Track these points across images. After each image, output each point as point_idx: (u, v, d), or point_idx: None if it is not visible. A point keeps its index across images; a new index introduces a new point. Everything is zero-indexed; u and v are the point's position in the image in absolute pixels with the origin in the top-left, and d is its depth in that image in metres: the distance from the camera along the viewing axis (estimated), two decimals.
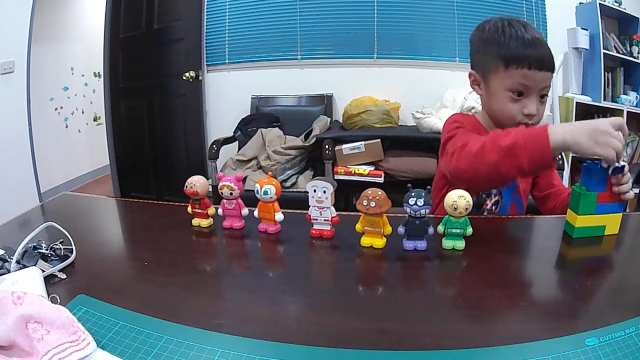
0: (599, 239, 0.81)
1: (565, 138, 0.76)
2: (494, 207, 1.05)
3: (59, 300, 0.59)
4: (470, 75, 1.07)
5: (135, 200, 1.11)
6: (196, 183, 0.85)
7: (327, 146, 2.57)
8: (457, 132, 1.00)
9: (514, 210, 1.08)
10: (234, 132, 2.99)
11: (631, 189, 0.82)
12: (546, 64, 0.95)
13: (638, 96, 2.93)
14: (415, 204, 0.72)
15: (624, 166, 0.77)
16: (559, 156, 2.39)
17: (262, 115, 3.07)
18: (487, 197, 1.04)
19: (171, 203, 1.03)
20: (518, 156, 0.79)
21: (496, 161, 0.81)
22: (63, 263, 0.70)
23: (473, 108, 2.53)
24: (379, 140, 2.58)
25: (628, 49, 2.93)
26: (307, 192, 0.81)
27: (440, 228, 0.75)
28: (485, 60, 1.01)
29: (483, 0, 2.89)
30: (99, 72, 3.77)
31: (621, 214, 0.82)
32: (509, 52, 0.95)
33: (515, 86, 0.96)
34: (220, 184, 0.84)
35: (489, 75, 1.01)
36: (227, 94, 3.25)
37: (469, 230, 0.75)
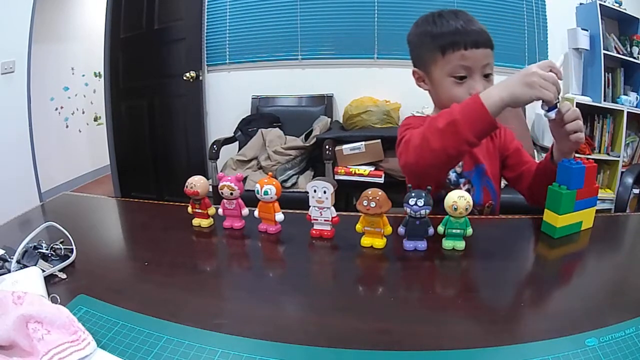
0: (596, 237, 0.81)
1: (501, 97, 0.79)
2: None
3: (59, 300, 0.59)
4: (413, 73, 1.07)
5: (136, 200, 1.11)
6: (196, 183, 0.85)
7: (327, 146, 2.57)
8: (405, 133, 1.00)
9: (487, 196, 1.06)
10: (234, 132, 2.99)
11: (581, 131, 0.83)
12: (482, 41, 0.95)
13: (638, 97, 2.93)
14: (416, 204, 0.72)
15: (556, 103, 0.79)
16: None
17: (262, 116, 3.07)
18: (455, 188, 1.01)
19: (171, 203, 1.03)
20: (460, 132, 0.81)
21: (441, 144, 0.82)
22: (63, 263, 0.70)
23: None
24: (379, 140, 2.58)
25: (628, 49, 2.93)
26: (308, 193, 0.81)
27: (440, 228, 0.76)
28: (422, 54, 1.02)
29: (483, 0, 2.89)
30: (99, 72, 3.77)
31: (595, 207, 0.83)
32: (442, 39, 0.96)
33: (456, 70, 0.96)
34: (221, 184, 0.84)
35: (429, 68, 1.01)
36: (228, 94, 3.26)
37: (469, 231, 0.75)
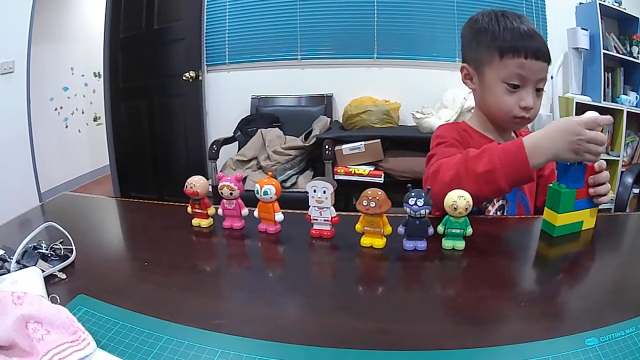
0: (596, 237, 0.81)
1: (548, 158, 0.77)
2: (498, 213, 1.01)
3: (58, 300, 0.59)
4: (462, 69, 1.03)
5: (135, 200, 1.11)
6: (196, 183, 0.85)
7: (327, 146, 2.57)
8: (437, 150, 0.98)
9: (521, 212, 1.03)
10: (233, 132, 2.99)
11: (608, 192, 0.81)
12: (542, 54, 0.92)
13: (638, 96, 2.94)
14: (415, 204, 0.72)
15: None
16: None
17: (262, 116, 3.07)
18: (489, 203, 1.00)
19: (171, 203, 1.02)
20: (496, 181, 0.79)
21: (475, 189, 0.78)
22: (63, 263, 0.70)
23: (473, 108, 2.52)
24: (379, 140, 2.58)
25: (628, 49, 2.93)
26: (307, 192, 0.80)
27: (440, 228, 0.75)
28: (478, 51, 0.98)
29: (483, 0, 2.89)
30: (98, 72, 3.77)
31: (597, 207, 0.82)
32: (504, 41, 0.93)
33: (511, 77, 0.93)
34: (220, 184, 0.84)
35: (482, 67, 0.98)
36: (227, 94, 3.26)
37: (469, 231, 0.74)
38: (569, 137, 0.74)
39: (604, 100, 2.87)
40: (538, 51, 0.92)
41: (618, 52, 2.90)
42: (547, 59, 0.94)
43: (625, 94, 2.96)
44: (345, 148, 2.60)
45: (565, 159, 0.76)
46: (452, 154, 0.91)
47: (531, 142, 0.78)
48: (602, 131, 0.76)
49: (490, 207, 1.01)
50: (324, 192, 0.79)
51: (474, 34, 1.00)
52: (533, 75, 0.93)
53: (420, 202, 0.71)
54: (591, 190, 0.79)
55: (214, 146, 2.70)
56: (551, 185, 0.80)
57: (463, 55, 1.04)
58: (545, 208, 0.82)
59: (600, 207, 0.82)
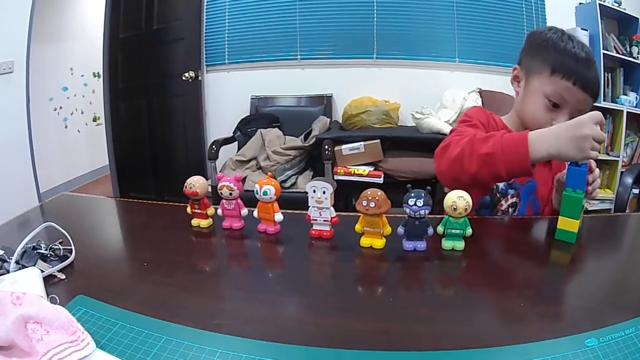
0: (595, 237, 0.81)
1: (549, 152, 0.78)
2: (510, 209, 1.02)
3: (58, 301, 0.59)
4: (514, 69, 1.05)
5: (135, 200, 1.11)
6: (195, 183, 0.85)
7: (326, 146, 2.57)
8: (458, 126, 1.00)
9: (530, 214, 1.04)
10: (233, 133, 2.99)
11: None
12: (591, 88, 0.93)
13: (638, 96, 2.93)
14: (415, 204, 0.72)
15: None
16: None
17: (261, 116, 3.07)
18: (503, 197, 1.01)
19: (170, 203, 1.02)
20: (495, 164, 0.81)
21: (475, 169, 0.83)
22: (62, 263, 0.70)
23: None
24: (378, 140, 2.58)
25: (628, 49, 2.93)
26: (307, 193, 0.80)
27: (440, 228, 0.75)
28: (534, 60, 0.99)
29: (483, 0, 2.89)
30: (98, 72, 3.76)
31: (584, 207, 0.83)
32: (560, 60, 0.93)
33: (555, 96, 0.94)
34: (220, 184, 0.84)
35: (532, 75, 0.99)
36: (227, 94, 3.25)
37: (469, 231, 0.75)
38: (575, 133, 0.75)
39: (604, 100, 2.87)
40: (588, 83, 0.93)
41: (618, 53, 2.89)
42: (593, 95, 0.94)
43: (625, 94, 2.96)
44: (345, 148, 2.59)
45: (567, 155, 0.76)
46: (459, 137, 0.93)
47: (535, 135, 0.80)
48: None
49: (503, 202, 1.02)
50: (324, 192, 0.79)
51: (537, 42, 1.01)
52: (575, 103, 0.94)
53: (420, 203, 0.71)
54: (589, 188, 0.81)
55: (214, 146, 2.70)
56: (566, 192, 0.78)
57: (519, 58, 1.05)
58: (560, 217, 0.79)
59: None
